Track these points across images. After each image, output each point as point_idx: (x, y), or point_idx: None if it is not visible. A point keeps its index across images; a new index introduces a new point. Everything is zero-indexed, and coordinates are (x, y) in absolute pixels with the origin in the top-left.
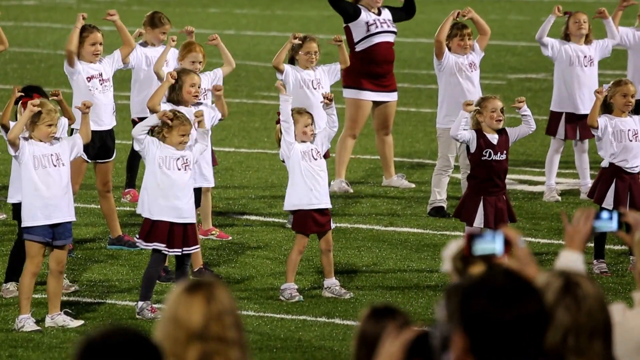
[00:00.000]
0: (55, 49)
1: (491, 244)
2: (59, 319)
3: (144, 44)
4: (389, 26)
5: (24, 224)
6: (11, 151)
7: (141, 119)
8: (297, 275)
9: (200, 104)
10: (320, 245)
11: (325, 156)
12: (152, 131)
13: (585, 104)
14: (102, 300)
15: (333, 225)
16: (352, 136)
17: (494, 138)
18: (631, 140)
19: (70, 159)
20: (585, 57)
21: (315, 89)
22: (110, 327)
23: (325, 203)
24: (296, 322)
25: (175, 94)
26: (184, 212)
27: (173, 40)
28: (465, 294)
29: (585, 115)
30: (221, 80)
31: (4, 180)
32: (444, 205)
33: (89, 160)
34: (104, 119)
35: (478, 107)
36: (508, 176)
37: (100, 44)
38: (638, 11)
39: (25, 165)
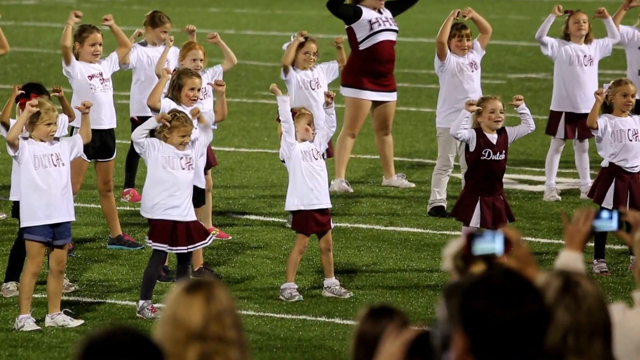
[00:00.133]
0: (55, 49)
1: (491, 244)
2: (58, 318)
3: (145, 44)
4: (391, 24)
5: (24, 224)
6: (10, 152)
7: (141, 118)
8: (297, 275)
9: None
10: (320, 245)
11: (328, 155)
12: (153, 131)
13: (585, 104)
14: (102, 300)
15: (333, 225)
16: (352, 135)
17: (493, 138)
18: (631, 140)
19: (70, 158)
20: (585, 56)
21: (314, 89)
22: (112, 327)
23: (326, 203)
24: (296, 321)
25: (174, 93)
26: (185, 210)
27: (171, 40)
28: (466, 293)
29: (585, 115)
30: (221, 76)
31: (3, 180)
32: (444, 205)
33: (89, 160)
34: (104, 118)
35: (479, 107)
36: (508, 176)
37: (100, 44)
38: (639, 12)
39: (25, 165)
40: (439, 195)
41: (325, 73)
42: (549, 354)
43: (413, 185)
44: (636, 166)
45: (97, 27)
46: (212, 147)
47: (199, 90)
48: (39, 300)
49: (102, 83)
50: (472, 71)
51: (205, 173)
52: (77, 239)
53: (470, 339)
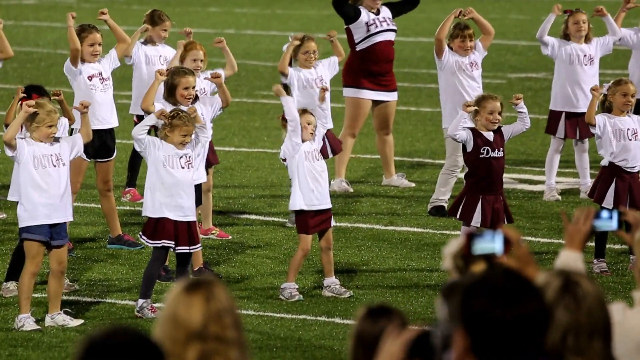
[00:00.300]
0: (55, 48)
1: (491, 244)
2: (58, 318)
3: (145, 42)
4: (388, 24)
5: (23, 224)
6: (8, 152)
7: (139, 117)
8: (297, 275)
9: (197, 99)
10: (320, 244)
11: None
12: (155, 129)
13: (586, 103)
14: (102, 300)
15: (333, 223)
16: (352, 135)
17: (489, 135)
18: (631, 140)
19: (70, 158)
20: (585, 55)
21: (319, 87)
22: (112, 327)
23: (326, 204)
24: (296, 321)
25: (169, 94)
26: (187, 210)
27: (183, 45)
28: (466, 293)
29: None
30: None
31: (3, 180)
32: (445, 204)
33: (88, 160)
34: (104, 118)
35: (477, 108)
36: (508, 176)
37: (99, 44)
38: None
39: (24, 165)
40: (443, 195)
41: (327, 68)
42: (549, 354)
43: (413, 184)
44: (636, 166)
45: (96, 26)
46: (214, 147)
47: (193, 88)
48: (38, 300)
49: (102, 83)
50: (472, 71)
51: (207, 172)
52: (77, 239)
53: (470, 338)
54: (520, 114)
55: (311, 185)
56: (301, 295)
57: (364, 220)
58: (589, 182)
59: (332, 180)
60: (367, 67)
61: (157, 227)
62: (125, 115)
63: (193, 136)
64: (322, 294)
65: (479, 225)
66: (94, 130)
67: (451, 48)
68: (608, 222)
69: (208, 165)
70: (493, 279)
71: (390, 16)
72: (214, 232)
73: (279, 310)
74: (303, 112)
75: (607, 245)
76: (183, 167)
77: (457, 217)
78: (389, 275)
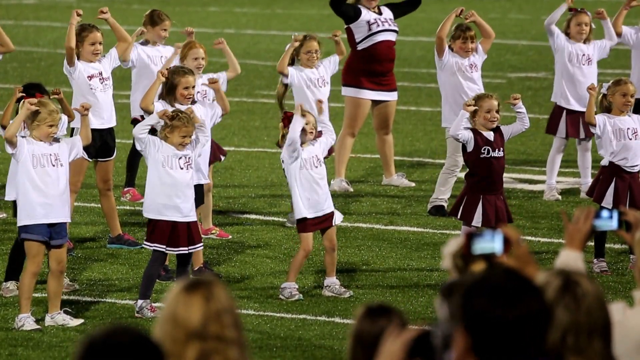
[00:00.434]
0: (55, 48)
1: (490, 243)
2: (58, 317)
3: (145, 43)
4: (390, 25)
5: (21, 223)
6: (8, 149)
7: (143, 118)
8: (297, 274)
9: (194, 102)
10: (324, 244)
11: (329, 153)
12: (154, 130)
13: (583, 102)
14: (102, 299)
15: (340, 217)
16: (351, 135)
17: (490, 135)
18: (631, 139)
19: (68, 160)
20: (583, 55)
21: (321, 87)
22: (112, 327)
23: (328, 208)
24: (296, 321)
25: (169, 93)
26: (186, 210)
27: (178, 48)
28: (467, 293)
29: (584, 113)
30: (225, 83)
31: (3, 180)
32: (445, 204)
33: (90, 159)
34: (105, 118)
35: (476, 107)
36: (508, 175)
37: (100, 43)
38: None
39: (23, 164)
40: (443, 194)
41: (328, 69)
42: (549, 353)
43: (413, 184)
44: (636, 165)
45: (97, 25)
46: (218, 143)
47: (193, 87)
48: (38, 299)
49: (102, 82)
50: (472, 72)
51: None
52: (77, 238)
53: (471, 338)
54: (519, 114)
55: (308, 194)
56: (301, 295)
57: (364, 220)
58: (590, 182)
59: (332, 179)
60: (368, 66)
61: (154, 229)
62: (125, 115)
63: (193, 137)
64: (322, 293)
65: (480, 225)
66: (95, 130)
67: (452, 49)
68: (608, 222)
69: (212, 160)
70: (494, 278)
71: (392, 17)
72: (214, 231)
73: (279, 309)
74: (303, 112)
75: (607, 245)
76: (182, 168)
77: (458, 217)
78: (389, 275)
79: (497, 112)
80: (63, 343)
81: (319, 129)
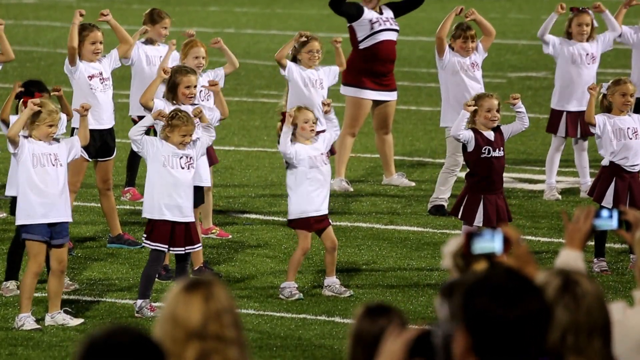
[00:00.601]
0: (55, 48)
1: (490, 243)
2: (58, 317)
3: (146, 42)
4: (391, 24)
5: (21, 222)
6: (10, 148)
7: (140, 118)
8: (297, 274)
9: (196, 104)
10: (325, 244)
11: (331, 153)
12: (148, 131)
13: (584, 103)
14: (102, 299)
15: (331, 222)
16: (352, 134)
17: (490, 135)
18: (631, 139)
19: (67, 160)
20: (587, 54)
21: (319, 89)
22: (112, 326)
23: (324, 210)
24: (296, 320)
25: (170, 92)
26: (186, 210)
27: (173, 44)
28: (468, 292)
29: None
30: (223, 79)
31: (3, 180)
32: (445, 203)
33: (90, 159)
34: (105, 118)
35: (476, 107)
36: (508, 175)
37: (101, 42)
38: None
39: (23, 163)
40: (443, 194)
41: (327, 76)
42: (549, 353)
43: (413, 184)
44: (636, 165)
45: (97, 25)
46: (213, 146)
47: (195, 87)
48: (38, 299)
49: (102, 83)
50: (474, 71)
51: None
52: (77, 238)
53: (472, 337)
54: (519, 114)
55: (313, 193)
56: (301, 294)
57: (364, 220)
58: (589, 181)
59: (332, 179)
60: (369, 66)
61: (154, 229)
62: (125, 115)
63: (194, 136)
64: (322, 293)
65: (481, 224)
66: (95, 130)
67: (452, 48)
68: (608, 221)
69: (212, 163)
70: (494, 278)
71: (393, 16)
72: (214, 231)
73: (279, 309)
74: (300, 109)
75: (607, 245)
76: (183, 168)
77: (459, 217)
78: (389, 275)
79: (498, 111)
80: (63, 343)
81: (323, 126)
